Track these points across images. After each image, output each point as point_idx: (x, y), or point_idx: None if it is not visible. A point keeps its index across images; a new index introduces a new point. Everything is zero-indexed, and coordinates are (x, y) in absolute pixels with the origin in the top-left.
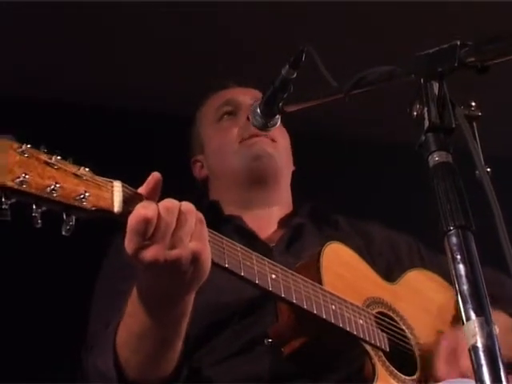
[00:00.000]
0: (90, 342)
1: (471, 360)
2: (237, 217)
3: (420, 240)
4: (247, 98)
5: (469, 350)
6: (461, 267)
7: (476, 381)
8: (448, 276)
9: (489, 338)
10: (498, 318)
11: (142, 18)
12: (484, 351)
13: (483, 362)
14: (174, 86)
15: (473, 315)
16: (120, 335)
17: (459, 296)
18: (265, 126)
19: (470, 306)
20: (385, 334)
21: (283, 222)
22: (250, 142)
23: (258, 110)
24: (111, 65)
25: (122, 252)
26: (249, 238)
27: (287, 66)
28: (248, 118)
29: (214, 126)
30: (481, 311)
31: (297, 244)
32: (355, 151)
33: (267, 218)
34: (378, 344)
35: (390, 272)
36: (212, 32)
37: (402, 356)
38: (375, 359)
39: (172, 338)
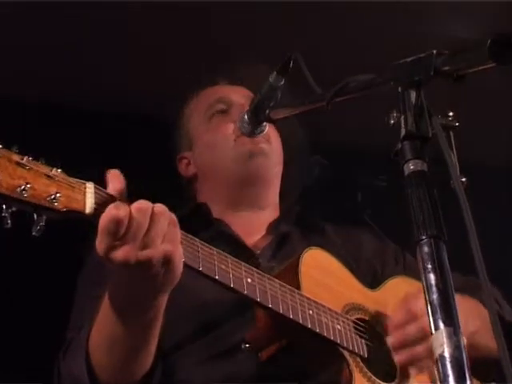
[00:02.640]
0: (64, 347)
1: (437, 370)
2: (223, 221)
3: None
4: (239, 96)
5: (436, 360)
6: (431, 277)
7: None
8: None
9: (456, 348)
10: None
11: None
12: (451, 362)
13: (450, 372)
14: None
15: (441, 325)
16: (92, 340)
17: (428, 305)
18: (252, 134)
19: (438, 315)
20: (363, 340)
21: (271, 228)
22: (245, 140)
23: (246, 117)
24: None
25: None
26: (234, 245)
27: (274, 73)
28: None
29: (206, 122)
30: (449, 321)
31: (283, 251)
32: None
33: (256, 221)
34: (356, 350)
35: (375, 280)
36: (190, 33)
37: (381, 362)
38: (352, 365)
39: (144, 342)
